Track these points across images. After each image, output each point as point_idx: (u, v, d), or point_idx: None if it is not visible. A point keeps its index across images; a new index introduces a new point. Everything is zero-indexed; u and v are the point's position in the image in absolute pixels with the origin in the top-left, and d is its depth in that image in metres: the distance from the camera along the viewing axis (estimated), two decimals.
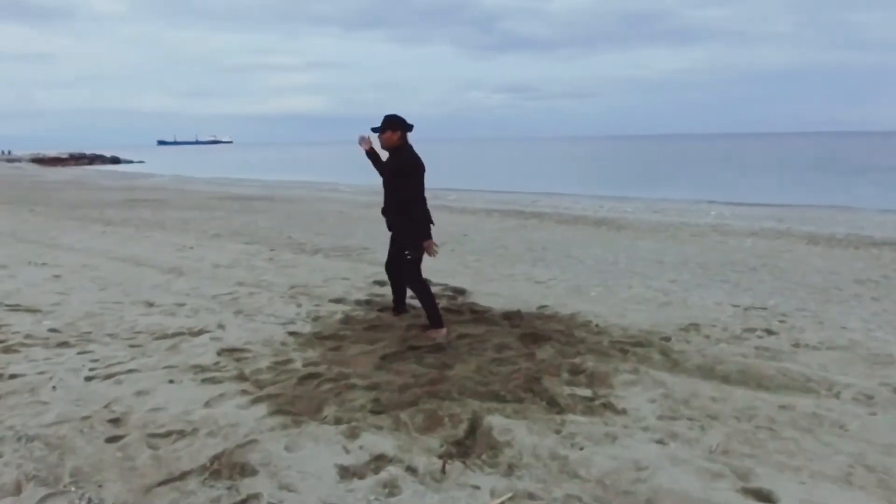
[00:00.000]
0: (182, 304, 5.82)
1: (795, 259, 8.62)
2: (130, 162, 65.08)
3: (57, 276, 7.06)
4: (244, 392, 3.78)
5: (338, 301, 6.00)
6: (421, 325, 4.98)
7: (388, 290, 6.16)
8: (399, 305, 5.41)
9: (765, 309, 5.83)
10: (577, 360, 4.26)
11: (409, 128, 4.82)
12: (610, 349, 4.59)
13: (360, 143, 5.00)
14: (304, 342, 4.70)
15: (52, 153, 65.96)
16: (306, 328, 5.06)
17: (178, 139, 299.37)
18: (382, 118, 4.81)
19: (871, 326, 5.28)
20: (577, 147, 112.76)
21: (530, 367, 4.12)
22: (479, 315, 5.43)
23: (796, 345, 4.75)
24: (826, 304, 6.05)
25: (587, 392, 3.78)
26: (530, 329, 4.98)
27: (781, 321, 5.40)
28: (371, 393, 3.71)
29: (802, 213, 15.80)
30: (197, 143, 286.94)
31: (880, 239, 10.59)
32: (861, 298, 6.29)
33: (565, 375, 4.02)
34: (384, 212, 5.04)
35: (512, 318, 5.38)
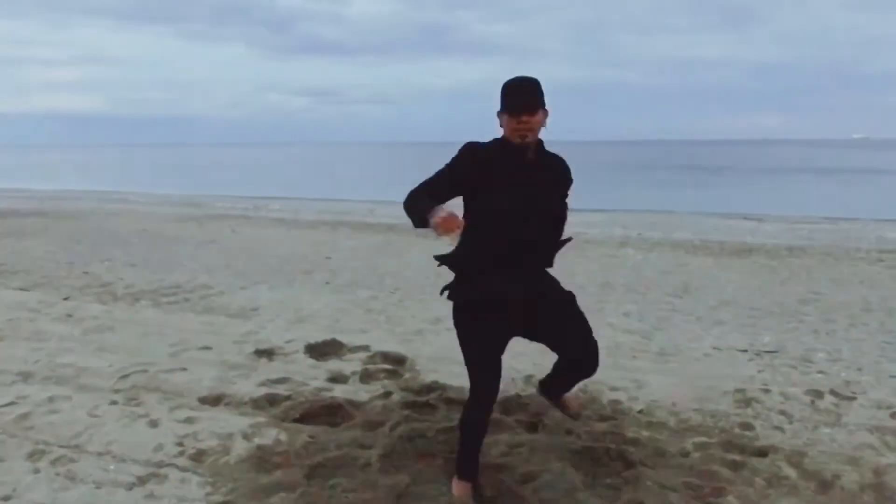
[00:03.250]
0: None
1: (707, 275, 7.75)
2: None
3: None
4: None
5: (217, 402, 3.62)
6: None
7: (283, 368, 3.96)
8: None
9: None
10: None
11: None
12: (711, 463, 2.90)
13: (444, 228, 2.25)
14: None
15: None
16: (193, 495, 2.66)
17: None
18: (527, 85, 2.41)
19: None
20: (384, 153, 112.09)
21: None
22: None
23: None
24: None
25: None
26: (575, 439, 3.11)
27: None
28: None
29: (637, 218, 15.71)
30: None
31: (758, 244, 10.34)
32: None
33: None
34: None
35: (513, 410, 3.49)
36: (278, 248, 9.80)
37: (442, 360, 4.42)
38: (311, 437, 3.10)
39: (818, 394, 3.82)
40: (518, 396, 3.69)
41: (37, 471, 2.77)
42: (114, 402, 3.56)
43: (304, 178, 37.28)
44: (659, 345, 4.91)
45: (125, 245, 10.04)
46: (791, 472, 2.84)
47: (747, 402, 3.70)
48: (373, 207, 18.00)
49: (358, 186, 28.76)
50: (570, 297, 2.63)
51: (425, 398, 3.61)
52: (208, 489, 2.63)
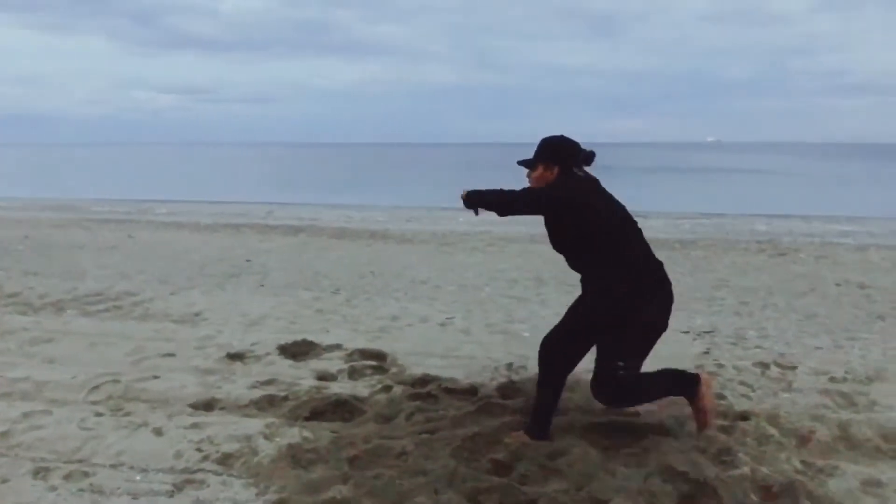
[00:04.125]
0: None
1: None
2: None
3: None
4: None
5: (211, 407, 3.48)
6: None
7: (264, 371, 3.92)
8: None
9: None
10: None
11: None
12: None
13: None
14: None
15: None
16: (243, 497, 2.56)
17: None
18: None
19: None
20: (267, 153, 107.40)
21: None
22: (479, 401, 3.53)
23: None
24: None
25: None
26: (580, 416, 3.32)
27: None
28: None
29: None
30: None
31: (651, 238, 11.20)
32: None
33: None
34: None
35: (510, 394, 3.66)
36: (189, 253, 9.35)
37: (420, 354, 4.51)
38: (333, 432, 3.09)
39: (765, 365, 4.30)
40: (511, 382, 3.87)
41: (53, 488, 2.58)
42: (100, 414, 3.34)
43: (184, 180, 35.35)
44: None
45: (11, 253, 9.17)
46: (774, 431, 3.22)
47: (710, 376, 4.09)
48: (270, 209, 17.50)
49: (245, 188, 27.76)
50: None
51: (426, 389, 3.69)
52: (256, 490, 2.58)
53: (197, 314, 5.69)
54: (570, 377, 3.20)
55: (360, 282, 7.29)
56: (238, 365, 4.25)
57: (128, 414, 3.36)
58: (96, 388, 3.73)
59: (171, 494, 2.53)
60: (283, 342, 4.65)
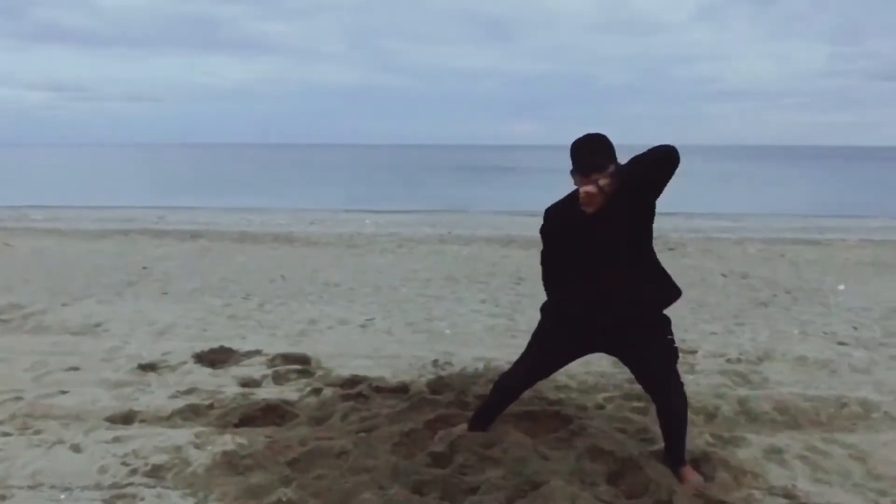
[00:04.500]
0: None
1: (532, 264, 8.67)
2: None
3: None
4: None
5: (131, 419, 3.31)
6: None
7: (182, 380, 3.80)
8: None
9: None
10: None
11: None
12: (623, 411, 3.45)
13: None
14: None
15: None
16: None
17: None
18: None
19: None
20: (152, 154, 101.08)
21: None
22: (411, 398, 3.57)
23: None
24: None
25: None
26: (526, 412, 3.45)
27: None
28: None
29: (436, 218, 16.70)
30: None
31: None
32: None
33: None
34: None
35: (440, 389, 3.74)
36: (78, 261, 8.77)
37: (344, 356, 4.50)
38: (267, 437, 3.04)
39: None
40: (440, 378, 3.94)
41: None
42: (7, 434, 3.10)
43: (60, 184, 32.85)
44: (526, 324, 5.46)
45: None
46: None
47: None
48: (161, 214, 16.68)
49: (130, 192, 26.26)
50: None
51: (356, 390, 3.70)
52: (195, 499, 2.50)
53: (97, 325, 5.37)
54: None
55: (271, 286, 7.13)
56: (152, 375, 4.06)
57: (38, 432, 3.15)
58: None
59: None
60: (198, 350, 4.48)
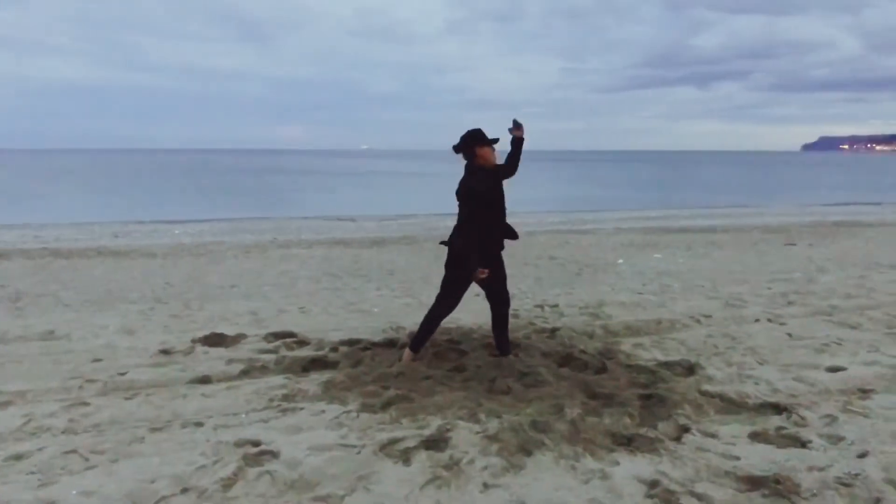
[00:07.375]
0: None
1: (394, 260, 10.29)
2: None
3: None
4: None
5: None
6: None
7: (227, 355, 4.82)
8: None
9: None
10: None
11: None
12: (530, 337, 5.31)
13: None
14: None
15: None
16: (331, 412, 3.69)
17: None
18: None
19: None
20: None
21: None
22: (403, 346, 4.99)
23: None
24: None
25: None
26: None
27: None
28: None
29: (232, 225, 17.22)
30: None
31: (387, 237, 13.35)
32: None
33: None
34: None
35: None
36: None
37: (317, 331, 5.63)
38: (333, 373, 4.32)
39: (541, 307, 6.61)
40: (410, 334, 5.40)
41: None
42: (52, 451, 3.93)
43: None
44: (428, 301, 7.07)
45: None
46: (574, 334, 5.45)
47: (516, 314, 6.21)
48: None
49: None
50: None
51: (362, 345, 5.03)
52: (339, 403, 3.75)
53: (51, 332, 5.77)
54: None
55: (173, 290, 7.72)
56: (178, 356, 4.91)
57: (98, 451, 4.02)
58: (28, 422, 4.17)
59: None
60: (194, 337, 5.33)
